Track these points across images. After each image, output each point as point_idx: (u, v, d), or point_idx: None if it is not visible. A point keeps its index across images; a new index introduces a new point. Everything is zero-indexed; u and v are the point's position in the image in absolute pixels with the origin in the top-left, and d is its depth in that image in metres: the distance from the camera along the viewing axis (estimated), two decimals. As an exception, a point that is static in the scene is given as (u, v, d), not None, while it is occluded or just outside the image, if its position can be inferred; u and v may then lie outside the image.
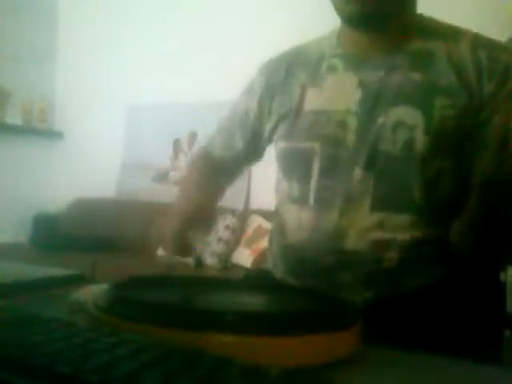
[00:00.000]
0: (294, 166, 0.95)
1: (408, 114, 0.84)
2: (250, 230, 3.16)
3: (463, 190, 0.91)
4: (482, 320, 0.88)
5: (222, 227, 3.21)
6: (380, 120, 0.86)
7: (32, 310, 0.56)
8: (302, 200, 0.92)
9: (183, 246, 0.89)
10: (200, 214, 0.93)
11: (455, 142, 0.86)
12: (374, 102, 0.87)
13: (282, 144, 0.97)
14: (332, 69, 0.94)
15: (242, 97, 1.09)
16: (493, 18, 2.65)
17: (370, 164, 0.86)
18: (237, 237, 3.18)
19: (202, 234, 0.91)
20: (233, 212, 3.24)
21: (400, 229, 0.85)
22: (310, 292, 0.75)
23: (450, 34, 0.89)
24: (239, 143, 1.09)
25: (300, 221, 0.92)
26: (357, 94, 0.89)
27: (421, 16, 0.93)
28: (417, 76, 0.86)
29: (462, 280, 0.87)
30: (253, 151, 1.10)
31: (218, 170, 1.12)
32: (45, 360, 0.39)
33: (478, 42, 0.87)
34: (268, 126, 1.02)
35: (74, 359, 0.40)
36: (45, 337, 0.45)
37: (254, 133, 1.06)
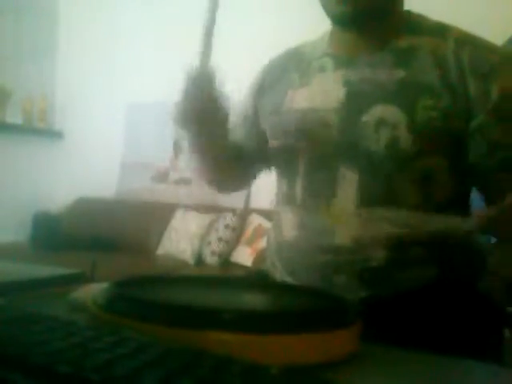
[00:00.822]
0: (282, 164, 0.96)
1: (390, 112, 0.84)
2: (250, 229, 3.16)
3: (461, 189, 0.90)
4: (481, 319, 0.88)
5: (222, 226, 3.21)
6: (363, 118, 0.85)
7: (32, 308, 0.56)
8: (291, 198, 0.93)
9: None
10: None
11: (445, 141, 0.85)
12: (356, 100, 0.87)
13: (272, 143, 0.98)
14: (322, 68, 0.95)
15: (244, 100, 1.11)
16: (493, 19, 2.65)
17: (354, 162, 0.86)
18: (237, 236, 3.18)
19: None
20: (233, 211, 3.24)
21: (387, 227, 0.84)
22: (310, 291, 0.75)
23: (436, 30, 0.89)
24: (246, 144, 1.09)
25: (291, 219, 0.92)
26: (341, 93, 0.89)
27: (408, 12, 0.93)
28: (400, 73, 0.86)
29: (460, 279, 0.87)
30: (259, 152, 1.07)
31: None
32: (45, 359, 0.39)
33: (463, 41, 0.86)
34: (262, 127, 1.03)
35: (74, 358, 0.40)
36: (45, 336, 0.45)
37: (251, 133, 1.07)
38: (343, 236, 0.85)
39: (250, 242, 3.09)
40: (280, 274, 0.96)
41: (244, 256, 3.07)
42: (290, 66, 1.00)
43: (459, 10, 2.63)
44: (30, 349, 0.41)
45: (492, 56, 0.85)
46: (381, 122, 0.84)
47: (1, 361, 0.39)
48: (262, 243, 2.90)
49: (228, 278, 0.79)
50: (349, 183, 0.86)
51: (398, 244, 0.84)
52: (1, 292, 0.74)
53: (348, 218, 0.85)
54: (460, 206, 0.91)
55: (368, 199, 0.85)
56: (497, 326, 0.92)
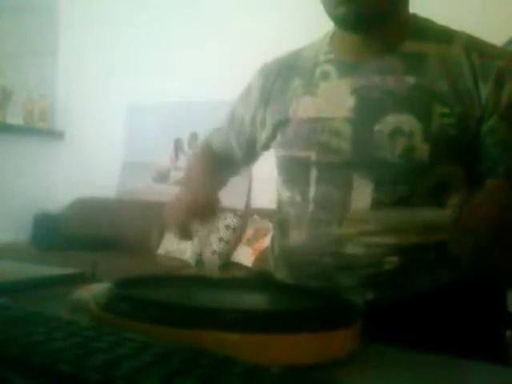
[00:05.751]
0: (293, 173, 0.95)
1: (405, 121, 0.83)
2: (250, 230, 3.16)
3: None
4: (483, 320, 0.88)
5: (223, 227, 3.21)
6: (376, 127, 0.85)
7: (33, 308, 0.56)
8: (301, 206, 0.92)
9: (187, 233, 0.93)
10: (204, 205, 0.95)
11: (460, 148, 0.84)
12: (368, 109, 0.86)
13: (279, 152, 0.98)
14: (325, 75, 0.93)
15: (239, 102, 1.10)
16: (493, 19, 2.65)
17: (368, 171, 0.85)
18: (238, 236, 3.18)
19: (205, 222, 0.94)
20: (234, 212, 3.24)
21: (401, 234, 0.84)
22: (310, 291, 0.75)
23: (443, 35, 0.88)
24: (235, 148, 1.11)
25: (300, 225, 0.92)
26: (351, 101, 0.88)
27: (414, 16, 0.91)
28: (411, 80, 0.85)
29: (464, 281, 0.87)
30: (247, 156, 1.12)
31: (218, 162, 1.14)
32: (46, 359, 0.39)
33: (472, 45, 0.85)
34: (264, 134, 1.02)
35: (75, 358, 0.40)
36: (46, 335, 0.45)
37: (248, 139, 1.08)
38: (356, 242, 0.85)
39: (250, 243, 3.09)
40: (284, 277, 0.96)
41: (245, 256, 3.07)
42: (291, 74, 0.98)
43: (459, 10, 2.63)
44: (31, 348, 0.41)
45: (499, 60, 0.84)
46: (396, 132, 0.83)
47: (2, 360, 0.39)
48: (263, 243, 2.89)
49: (229, 278, 0.79)
50: (363, 192, 0.85)
51: (411, 249, 0.84)
52: (2, 292, 0.74)
53: (361, 225, 0.85)
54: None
55: (381, 208, 0.85)
56: (499, 327, 0.92)
